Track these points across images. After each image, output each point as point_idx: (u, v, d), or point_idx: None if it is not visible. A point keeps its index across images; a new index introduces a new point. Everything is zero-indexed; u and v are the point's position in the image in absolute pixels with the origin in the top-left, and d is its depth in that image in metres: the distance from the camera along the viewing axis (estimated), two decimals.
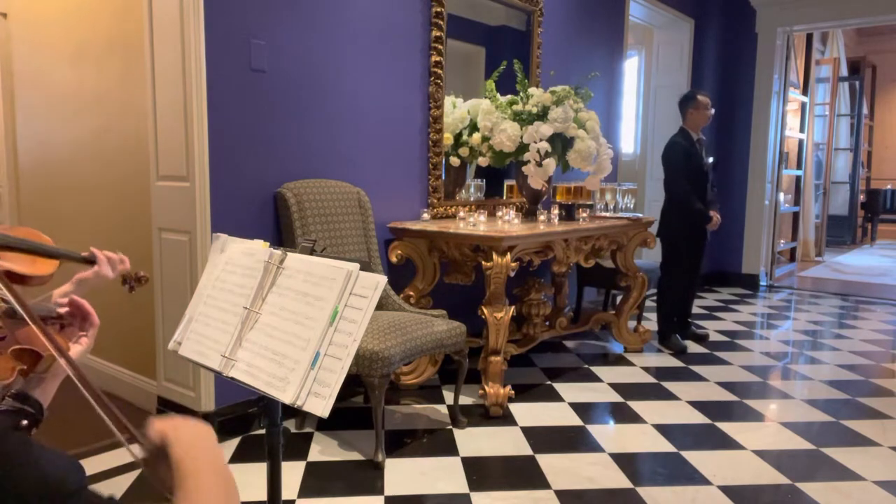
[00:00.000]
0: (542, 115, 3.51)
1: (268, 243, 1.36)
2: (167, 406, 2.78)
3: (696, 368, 3.81)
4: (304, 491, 2.31)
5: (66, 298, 1.15)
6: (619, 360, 3.96)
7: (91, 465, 2.43)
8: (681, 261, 4.27)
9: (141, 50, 2.76)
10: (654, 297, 4.47)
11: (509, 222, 3.32)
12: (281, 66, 2.82)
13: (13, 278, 1.17)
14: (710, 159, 4.39)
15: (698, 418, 3.04)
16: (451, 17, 3.59)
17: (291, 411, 2.80)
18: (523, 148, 3.52)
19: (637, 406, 3.19)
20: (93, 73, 3.21)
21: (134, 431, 0.87)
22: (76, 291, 1.36)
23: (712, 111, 4.25)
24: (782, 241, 7.37)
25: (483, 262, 3.03)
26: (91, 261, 1.42)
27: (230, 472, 0.80)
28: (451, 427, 2.88)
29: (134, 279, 1.54)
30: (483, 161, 3.76)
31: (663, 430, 2.90)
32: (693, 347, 4.26)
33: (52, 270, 1.25)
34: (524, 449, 2.68)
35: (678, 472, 2.50)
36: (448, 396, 3.22)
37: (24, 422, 0.99)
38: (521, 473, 2.47)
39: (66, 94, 3.38)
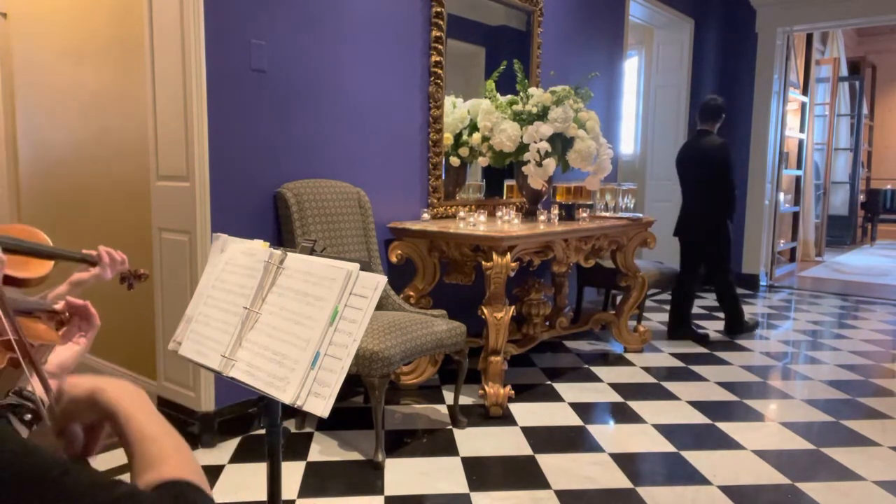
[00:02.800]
0: (542, 115, 3.51)
1: (268, 243, 1.36)
2: (167, 406, 2.78)
3: (696, 368, 3.82)
4: (304, 491, 2.31)
5: (62, 301, 1.14)
6: (619, 360, 3.96)
7: (92, 465, 2.43)
8: (729, 258, 4.54)
9: (141, 50, 2.76)
10: (672, 298, 4.68)
11: (509, 222, 3.32)
12: (281, 66, 2.82)
13: (7, 281, 1.16)
14: None
15: (698, 418, 3.04)
16: (451, 17, 3.59)
17: (291, 411, 2.80)
18: (523, 148, 3.52)
19: (637, 406, 3.19)
20: (93, 73, 3.21)
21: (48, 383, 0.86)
22: (72, 292, 1.36)
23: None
24: (782, 241, 7.36)
25: (483, 262, 3.03)
26: (89, 260, 1.40)
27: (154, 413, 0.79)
28: (451, 427, 2.88)
29: (133, 276, 1.53)
30: (483, 161, 3.76)
31: (663, 430, 2.90)
32: (693, 347, 4.27)
33: (46, 272, 1.24)
34: (524, 449, 2.68)
35: (678, 472, 2.50)
36: (448, 396, 3.22)
37: (28, 415, 0.99)
38: (521, 473, 2.47)
39: (67, 95, 3.38)
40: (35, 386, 1.01)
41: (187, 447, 0.77)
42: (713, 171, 4.32)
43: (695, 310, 5.40)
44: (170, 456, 0.75)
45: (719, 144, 4.34)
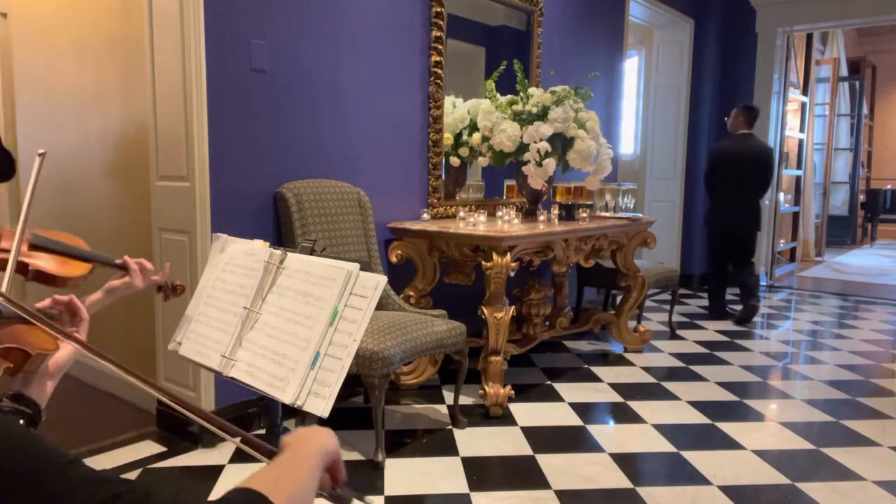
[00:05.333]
0: (542, 115, 3.50)
1: (268, 243, 1.36)
2: (167, 406, 2.78)
3: (696, 368, 3.81)
4: None
5: (48, 299, 1.14)
6: (619, 360, 3.96)
7: (92, 465, 2.42)
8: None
9: (141, 50, 2.75)
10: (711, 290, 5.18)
11: (509, 222, 3.32)
12: (281, 66, 2.82)
13: (42, 278, 1.16)
14: None
15: (698, 418, 3.04)
16: (451, 17, 3.59)
17: (291, 411, 2.80)
18: (523, 148, 3.51)
19: (637, 406, 3.19)
20: (93, 74, 3.21)
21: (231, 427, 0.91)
22: (106, 299, 1.36)
23: None
24: (782, 241, 7.36)
25: (483, 262, 3.03)
26: (123, 267, 1.40)
27: (314, 466, 0.86)
28: (451, 427, 2.88)
29: (170, 289, 1.52)
30: (483, 161, 3.76)
31: (663, 430, 2.90)
32: (693, 347, 4.27)
33: (82, 273, 1.24)
34: (524, 449, 2.68)
35: (678, 472, 2.50)
36: (448, 396, 3.22)
37: (21, 422, 0.99)
38: (521, 473, 2.47)
39: (67, 95, 3.38)
40: (39, 396, 1.00)
41: (299, 482, 0.78)
42: (764, 171, 4.85)
43: (694, 310, 5.40)
44: (271, 475, 0.76)
45: (769, 148, 4.99)
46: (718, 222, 5.00)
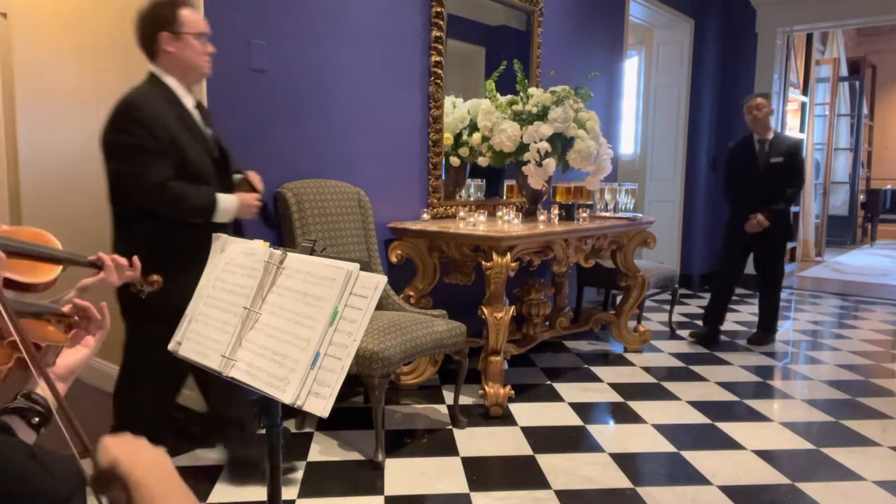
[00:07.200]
0: (542, 115, 3.51)
1: (268, 243, 1.36)
2: None
3: (696, 368, 3.81)
4: (304, 491, 2.31)
5: (68, 304, 1.13)
6: (619, 360, 3.96)
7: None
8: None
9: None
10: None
11: (509, 222, 3.32)
12: (281, 66, 2.81)
13: (14, 286, 1.12)
14: (779, 159, 4.29)
15: (698, 418, 3.04)
16: (451, 17, 3.59)
17: (291, 411, 2.80)
18: (523, 148, 3.51)
19: (637, 406, 3.18)
20: (93, 73, 3.21)
21: (89, 446, 0.83)
22: (80, 297, 1.34)
23: (755, 112, 4.34)
24: None
25: (483, 262, 3.03)
26: (97, 265, 1.36)
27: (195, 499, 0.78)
28: (451, 427, 2.88)
29: (145, 283, 1.49)
30: (483, 161, 3.76)
31: (663, 430, 2.90)
32: (693, 347, 4.27)
33: (53, 276, 1.20)
34: (524, 449, 2.68)
35: (678, 472, 2.50)
36: (448, 396, 3.22)
37: (36, 419, 0.99)
38: (521, 473, 2.47)
39: (67, 95, 3.38)
40: (42, 388, 1.00)
41: None
42: None
43: (693, 310, 5.40)
44: None
45: None
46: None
